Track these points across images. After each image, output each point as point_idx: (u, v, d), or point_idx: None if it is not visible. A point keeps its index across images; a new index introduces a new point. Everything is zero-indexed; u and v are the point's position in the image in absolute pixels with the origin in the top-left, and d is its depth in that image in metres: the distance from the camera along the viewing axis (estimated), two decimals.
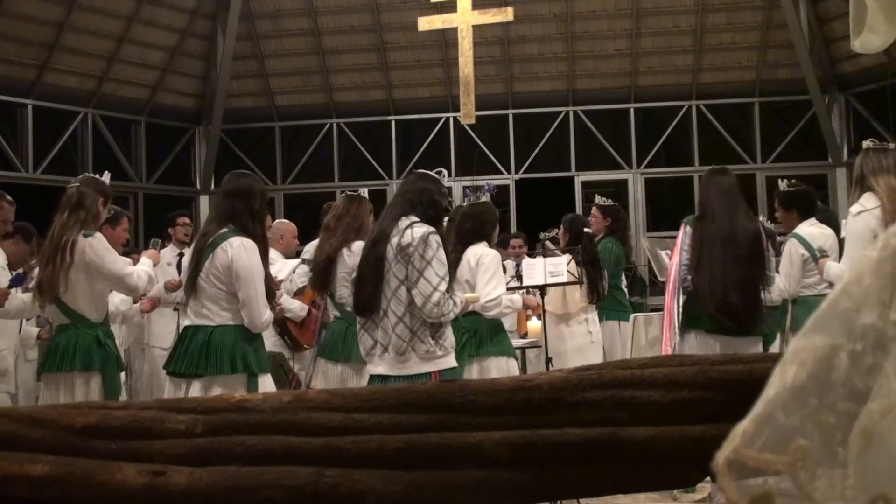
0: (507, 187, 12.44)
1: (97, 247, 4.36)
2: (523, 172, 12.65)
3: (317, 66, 12.98)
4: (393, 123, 13.09)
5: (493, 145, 12.69)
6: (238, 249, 3.97)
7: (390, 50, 12.78)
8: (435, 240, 3.74)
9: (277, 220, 6.70)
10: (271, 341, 5.49)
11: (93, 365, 4.31)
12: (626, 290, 7.30)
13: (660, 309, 8.28)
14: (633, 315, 6.60)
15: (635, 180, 12.66)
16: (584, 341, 6.28)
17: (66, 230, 4.32)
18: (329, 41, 12.81)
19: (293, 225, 6.62)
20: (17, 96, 11.32)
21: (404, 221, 3.80)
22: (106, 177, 4.63)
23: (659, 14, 12.35)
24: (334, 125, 13.16)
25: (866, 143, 4.60)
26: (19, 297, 5.04)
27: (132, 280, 4.47)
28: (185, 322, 4.14)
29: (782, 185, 5.64)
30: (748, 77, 12.62)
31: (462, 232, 4.98)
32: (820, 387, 1.06)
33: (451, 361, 3.85)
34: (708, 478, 1.90)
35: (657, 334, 6.22)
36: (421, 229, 3.74)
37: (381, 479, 1.80)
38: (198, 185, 13.25)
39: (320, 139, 13.21)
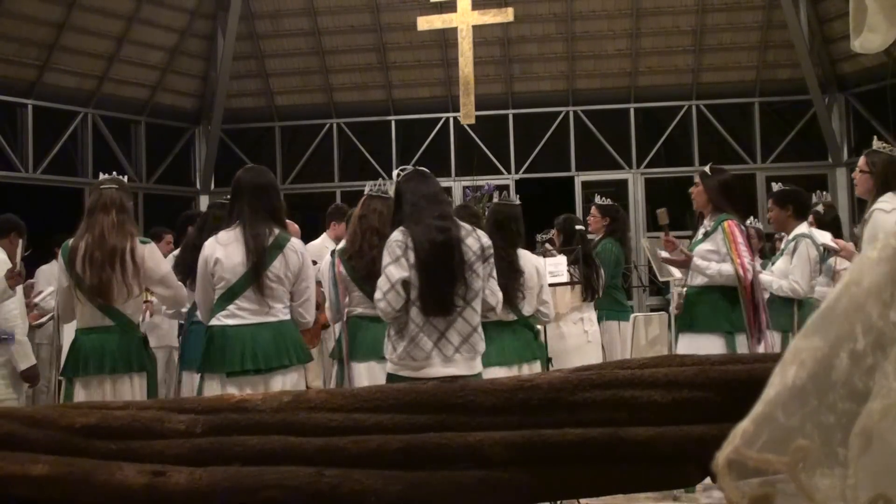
0: (507, 187, 12.40)
1: (157, 256, 4.29)
2: (523, 172, 12.64)
3: (317, 66, 12.97)
4: (393, 123, 13.08)
5: (493, 145, 12.69)
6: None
7: (390, 50, 12.77)
8: None
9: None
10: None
11: (145, 366, 4.23)
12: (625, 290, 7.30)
13: (658, 309, 8.27)
14: (633, 315, 6.60)
15: (635, 180, 12.65)
16: (581, 341, 6.25)
17: (113, 233, 4.14)
18: (329, 41, 12.80)
19: (296, 225, 6.53)
20: (17, 96, 11.31)
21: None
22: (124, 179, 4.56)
23: (659, 14, 12.35)
24: (334, 125, 13.16)
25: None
26: None
27: (183, 292, 4.47)
28: None
29: (776, 186, 5.86)
30: (748, 77, 12.62)
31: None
32: (820, 387, 1.05)
33: None
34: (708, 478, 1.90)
35: (657, 334, 6.22)
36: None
37: (381, 479, 1.80)
38: (198, 185, 13.25)
39: (320, 139, 13.20)
